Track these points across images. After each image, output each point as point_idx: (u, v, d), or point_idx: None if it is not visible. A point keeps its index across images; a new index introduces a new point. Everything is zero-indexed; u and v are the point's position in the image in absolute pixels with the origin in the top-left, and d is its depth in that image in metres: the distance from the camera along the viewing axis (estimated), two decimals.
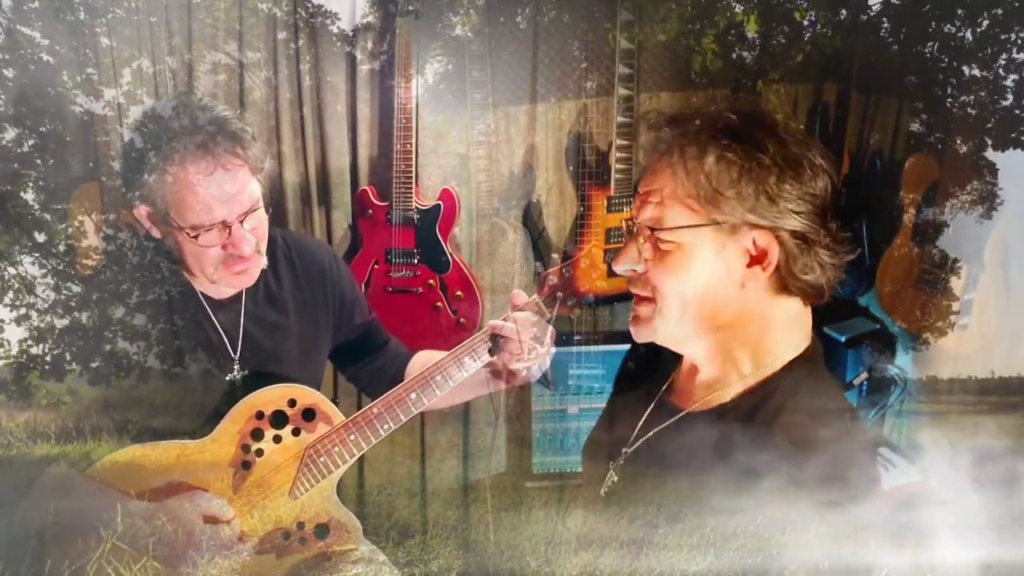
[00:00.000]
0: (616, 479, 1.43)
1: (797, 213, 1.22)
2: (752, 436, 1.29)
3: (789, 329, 1.32)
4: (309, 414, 1.53)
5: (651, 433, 1.39)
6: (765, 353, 1.31)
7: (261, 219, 1.54)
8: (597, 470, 1.49)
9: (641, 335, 1.33)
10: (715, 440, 1.31)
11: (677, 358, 1.44)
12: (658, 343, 1.35)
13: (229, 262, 1.52)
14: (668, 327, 1.30)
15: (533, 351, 1.51)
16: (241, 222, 1.49)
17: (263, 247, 1.56)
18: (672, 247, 1.26)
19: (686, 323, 1.29)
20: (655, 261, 1.28)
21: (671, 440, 1.36)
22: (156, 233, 1.53)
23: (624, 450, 1.42)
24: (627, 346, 1.69)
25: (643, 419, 1.41)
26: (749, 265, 1.25)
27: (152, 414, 1.66)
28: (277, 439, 1.52)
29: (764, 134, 1.23)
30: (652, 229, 1.26)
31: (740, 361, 1.32)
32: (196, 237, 1.47)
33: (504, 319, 1.51)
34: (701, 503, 1.36)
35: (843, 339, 2.11)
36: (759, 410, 1.29)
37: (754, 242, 1.24)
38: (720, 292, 1.28)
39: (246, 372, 1.61)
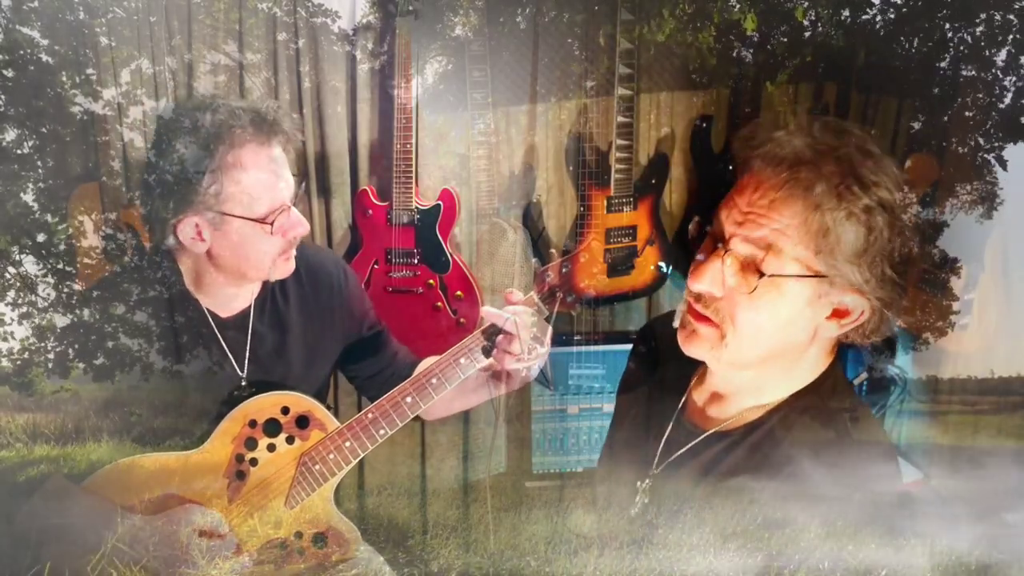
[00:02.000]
0: (647, 500, 1.40)
1: (897, 284, 1.17)
2: (778, 452, 1.28)
3: (823, 359, 1.30)
4: (303, 421, 1.50)
5: (677, 454, 1.36)
6: (797, 380, 1.29)
7: None
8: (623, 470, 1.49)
9: (695, 352, 1.26)
10: (742, 458, 1.29)
11: (690, 369, 1.41)
12: (708, 365, 1.30)
13: (287, 249, 1.50)
14: (730, 357, 1.22)
15: (533, 350, 1.49)
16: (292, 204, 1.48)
17: None
18: (769, 287, 1.16)
19: (749, 357, 1.23)
20: (740, 291, 1.17)
21: (700, 459, 1.33)
22: (201, 247, 1.48)
23: (651, 472, 1.39)
24: (627, 346, 1.69)
25: (664, 439, 1.38)
26: (829, 317, 1.20)
27: (152, 415, 1.65)
28: (271, 448, 1.49)
29: (889, 184, 1.14)
30: (761, 273, 1.15)
31: (773, 388, 1.30)
32: (272, 224, 1.45)
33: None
34: (743, 515, 1.36)
35: None
36: (784, 426, 1.27)
37: (843, 301, 1.18)
38: (795, 338, 1.22)
39: (254, 390, 1.57)
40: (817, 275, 1.14)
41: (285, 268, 1.54)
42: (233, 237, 1.46)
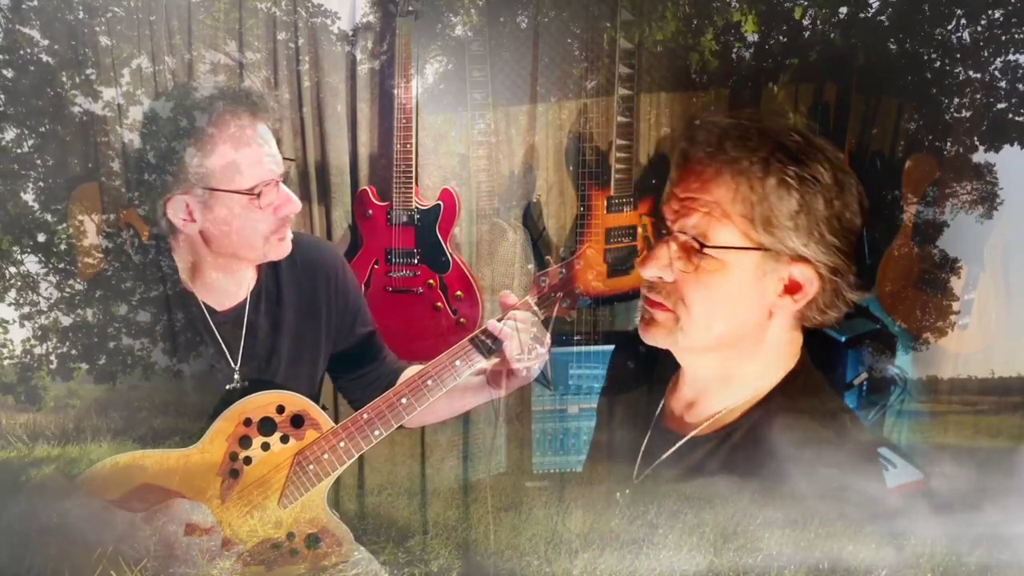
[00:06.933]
0: (628, 510, 1.42)
1: (841, 251, 1.19)
2: (759, 453, 1.29)
3: (787, 350, 1.31)
4: (298, 420, 1.49)
5: (657, 462, 1.37)
6: (766, 374, 1.31)
7: None
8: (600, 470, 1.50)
9: (654, 339, 1.29)
10: (723, 461, 1.30)
11: (668, 373, 1.43)
12: (669, 350, 1.33)
13: (280, 228, 1.49)
14: (687, 340, 1.25)
15: (532, 351, 1.49)
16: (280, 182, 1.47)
17: None
18: (714, 264, 1.20)
19: (705, 339, 1.26)
20: (687, 273, 1.22)
21: (680, 466, 1.35)
22: (192, 228, 1.47)
23: (632, 481, 1.40)
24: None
25: (643, 448, 1.40)
26: (781, 295, 1.23)
27: (153, 415, 1.65)
28: (265, 446, 1.48)
29: (821, 159, 1.18)
30: (700, 244, 1.19)
31: (741, 381, 1.31)
32: (259, 196, 1.44)
33: (500, 320, 1.48)
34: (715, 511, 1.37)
35: (843, 339, 2.11)
36: (763, 427, 1.28)
37: (791, 274, 1.21)
38: (748, 317, 1.25)
39: (247, 383, 1.56)
40: (758, 247, 1.18)
41: (280, 248, 1.52)
42: (222, 213, 1.46)
